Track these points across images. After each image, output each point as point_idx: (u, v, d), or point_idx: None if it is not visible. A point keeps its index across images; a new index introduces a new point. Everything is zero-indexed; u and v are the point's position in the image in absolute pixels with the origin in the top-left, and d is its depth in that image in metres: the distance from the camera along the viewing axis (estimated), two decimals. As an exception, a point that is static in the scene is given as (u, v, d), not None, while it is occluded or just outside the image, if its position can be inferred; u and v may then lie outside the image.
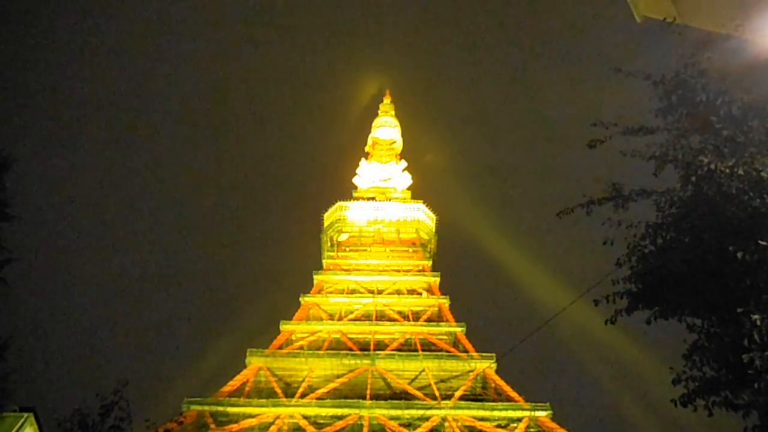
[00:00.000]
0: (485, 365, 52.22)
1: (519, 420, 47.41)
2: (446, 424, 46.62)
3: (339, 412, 47.31)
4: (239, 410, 47.34)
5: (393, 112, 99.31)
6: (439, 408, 47.23)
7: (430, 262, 70.47)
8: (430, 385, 50.49)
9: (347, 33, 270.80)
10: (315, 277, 65.89)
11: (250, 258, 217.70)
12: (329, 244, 76.11)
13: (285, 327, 57.84)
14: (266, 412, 47.21)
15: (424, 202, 79.97)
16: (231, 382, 50.63)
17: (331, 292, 63.93)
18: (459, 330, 57.49)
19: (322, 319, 60.03)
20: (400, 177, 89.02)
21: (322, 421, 46.80)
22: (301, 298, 61.64)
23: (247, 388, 50.18)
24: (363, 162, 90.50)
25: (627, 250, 6.74)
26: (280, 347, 55.36)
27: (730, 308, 5.75)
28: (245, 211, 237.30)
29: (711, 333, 6.12)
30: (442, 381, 51.95)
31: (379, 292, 63.49)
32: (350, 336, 56.91)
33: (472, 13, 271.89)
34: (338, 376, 51.58)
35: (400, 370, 52.75)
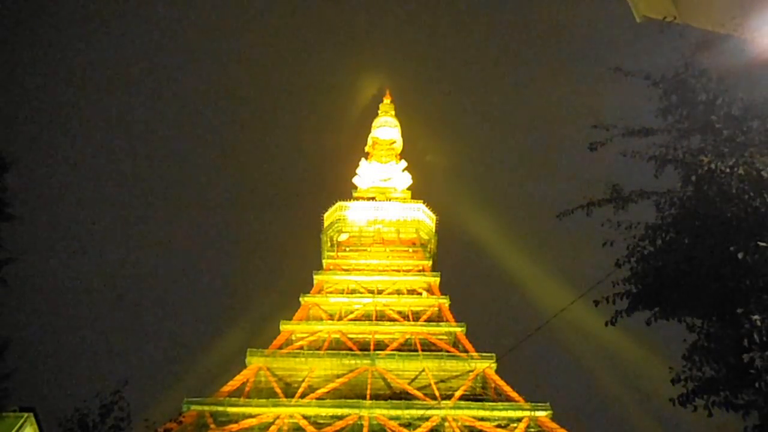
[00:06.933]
0: (485, 365, 52.22)
1: (519, 420, 47.41)
2: (446, 424, 46.61)
3: (339, 412, 47.30)
4: (239, 410, 47.34)
5: (393, 112, 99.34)
6: (439, 408, 47.22)
7: (430, 262, 70.47)
8: (430, 385, 50.49)
9: (347, 33, 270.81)
10: (315, 277, 65.89)
11: (250, 258, 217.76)
12: (329, 244, 76.12)
13: (285, 327, 57.85)
14: (266, 412, 47.20)
15: (424, 202, 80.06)
16: (231, 382, 50.63)
17: (331, 292, 63.91)
18: (459, 330, 57.49)
19: (322, 319, 60.02)
20: (400, 177, 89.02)
21: (322, 421, 46.79)
22: (301, 298, 61.64)
23: (247, 388, 50.17)
24: (363, 162, 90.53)
25: (627, 251, 6.73)
26: (280, 347, 55.36)
27: (730, 308, 5.74)
28: (245, 211, 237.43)
29: (711, 333, 6.11)
30: (442, 381, 51.94)
31: (379, 292, 63.49)
32: (350, 336, 56.90)
33: (471, 13, 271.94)
34: (338, 376, 51.58)
35: (400, 370, 52.74)
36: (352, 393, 49.72)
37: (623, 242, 6.76)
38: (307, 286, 64.89)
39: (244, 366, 52.59)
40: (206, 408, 46.97)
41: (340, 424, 46.36)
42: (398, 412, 47.07)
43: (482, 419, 47.16)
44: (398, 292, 64.36)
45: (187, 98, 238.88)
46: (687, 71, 7.03)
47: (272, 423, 46.46)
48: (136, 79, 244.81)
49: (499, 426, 47.18)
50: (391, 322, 58.85)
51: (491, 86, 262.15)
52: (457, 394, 49.42)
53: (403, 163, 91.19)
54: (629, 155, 7.08)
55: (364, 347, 55.37)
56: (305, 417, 46.85)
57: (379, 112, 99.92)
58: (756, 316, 5.46)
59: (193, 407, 46.59)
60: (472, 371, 52.48)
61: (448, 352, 54.82)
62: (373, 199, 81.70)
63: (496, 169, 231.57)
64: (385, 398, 49.43)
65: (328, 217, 78.47)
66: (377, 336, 57.21)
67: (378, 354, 53.53)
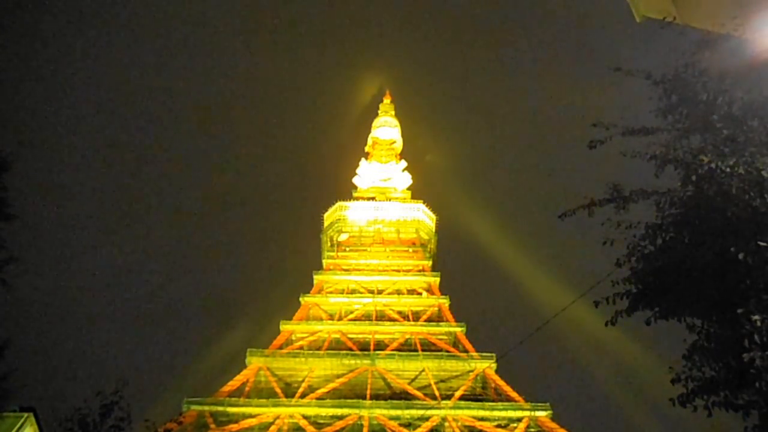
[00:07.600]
0: (485, 365, 52.20)
1: (519, 420, 47.39)
2: (446, 424, 46.60)
3: (339, 412, 47.29)
4: (239, 410, 47.32)
5: (393, 112, 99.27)
6: (439, 408, 47.21)
7: (430, 262, 70.44)
8: (430, 385, 50.47)
9: (347, 33, 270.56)
10: (315, 277, 65.86)
11: (250, 258, 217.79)
12: (329, 244, 76.08)
13: (285, 327, 57.84)
14: (266, 412, 47.19)
15: (424, 202, 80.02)
16: (231, 382, 50.62)
17: (331, 292, 63.90)
18: (459, 330, 57.47)
19: (322, 319, 60.00)
20: (400, 177, 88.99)
21: (322, 421, 46.78)
22: (301, 298, 61.61)
23: (247, 388, 50.16)
24: (363, 162, 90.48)
25: (627, 251, 6.73)
26: (280, 347, 55.34)
27: (730, 308, 5.74)
28: (245, 211, 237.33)
29: (711, 333, 6.11)
30: (442, 381, 51.93)
31: (379, 292, 63.46)
32: (350, 336, 56.89)
33: (471, 13, 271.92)
34: (338, 376, 51.56)
35: (400, 370, 52.73)
36: (352, 393, 49.70)
37: (623, 242, 6.75)
38: (307, 286, 64.95)
39: (244, 366, 52.58)
40: (206, 408, 46.95)
41: (340, 424, 46.35)
42: (398, 412, 47.06)
43: (482, 419, 47.14)
44: (398, 292, 64.33)
45: (188, 98, 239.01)
46: (687, 71, 7.02)
47: (272, 423, 46.45)
48: (136, 79, 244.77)
49: (499, 426, 47.17)
50: (391, 322, 58.83)
51: (491, 86, 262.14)
52: (457, 394, 49.40)
53: (403, 163, 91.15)
54: (629, 155, 7.07)
55: (364, 347, 55.35)
56: (305, 417, 46.83)
57: (379, 112, 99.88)
58: (756, 316, 5.45)
59: (193, 407, 46.58)
60: (472, 371, 52.46)
61: (448, 352, 54.79)
62: (373, 199, 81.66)
63: (496, 169, 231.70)
64: (385, 398, 49.41)
65: (328, 217, 78.46)
66: (377, 336, 57.19)
67: (378, 354, 53.51)
